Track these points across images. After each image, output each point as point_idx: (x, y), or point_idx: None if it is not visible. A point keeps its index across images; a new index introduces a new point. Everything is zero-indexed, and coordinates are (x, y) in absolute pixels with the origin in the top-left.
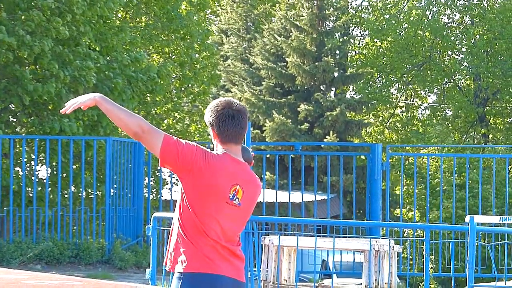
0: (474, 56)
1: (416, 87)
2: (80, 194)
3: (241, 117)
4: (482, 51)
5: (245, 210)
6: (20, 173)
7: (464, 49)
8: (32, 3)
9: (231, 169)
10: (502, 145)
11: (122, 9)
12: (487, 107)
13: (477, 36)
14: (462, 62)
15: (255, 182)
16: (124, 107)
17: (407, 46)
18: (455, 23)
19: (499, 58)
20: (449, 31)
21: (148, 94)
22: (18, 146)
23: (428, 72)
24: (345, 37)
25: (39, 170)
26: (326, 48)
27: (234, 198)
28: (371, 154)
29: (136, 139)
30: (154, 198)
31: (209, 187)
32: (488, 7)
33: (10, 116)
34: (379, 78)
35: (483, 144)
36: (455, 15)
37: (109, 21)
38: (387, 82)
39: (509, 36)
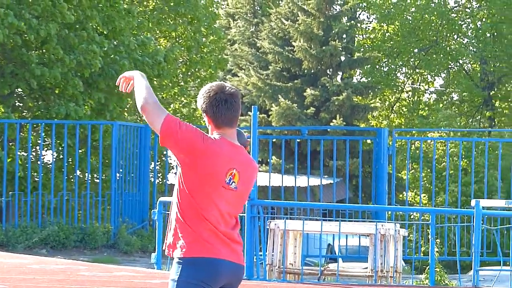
0: (480, 39)
1: (423, 71)
2: (85, 179)
3: (234, 100)
4: (488, 34)
5: (242, 194)
6: (26, 158)
7: (470, 33)
8: None
9: (228, 153)
10: (508, 129)
11: None
12: (493, 91)
13: (483, 20)
14: (468, 46)
15: (251, 165)
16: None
17: (414, 30)
18: (461, 7)
19: (505, 42)
20: (455, 15)
21: (155, 79)
22: (24, 130)
23: (434, 56)
24: (352, 21)
25: (44, 155)
26: (333, 32)
27: (231, 182)
28: (377, 138)
29: (141, 113)
30: (160, 182)
31: (207, 171)
32: None
33: (16, 101)
34: (386, 62)
35: (489, 128)
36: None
37: (116, 5)
38: (394, 67)
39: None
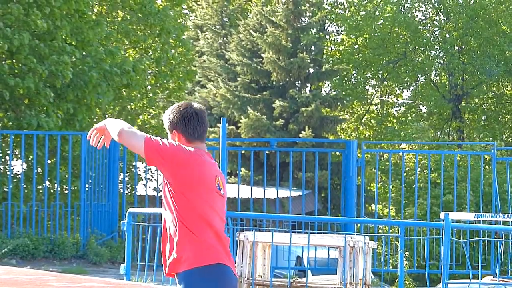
0: (447, 52)
1: (391, 83)
2: (55, 189)
3: (203, 115)
4: (455, 47)
5: (225, 199)
6: None
7: (437, 46)
8: None
9: (209, 162)
10: (477, 142)
11: (98, 3)
12: (462, 104)
13: (450, 32)
14: (436, 59)
15: (223, 175)
16: (100, 101)
17: (382, 42)
18: (429, 20)
19: (472, 55)
20: (423, 28)
21: (124, 89)
22: None
23: (403, 68)
24: (320, 33)
25: (14, 165)
26: (301, 44)
27: (220, 188)
28: (346, 151)
29: (120, 141)
30: (129, 193)
31: (200, 179)
32: (456, 3)
33: None
34: (354, 75)
35: (459, 141)
36: (429, 11)
37: (85, 16)
38: (362, 79)
39: (477, 33)
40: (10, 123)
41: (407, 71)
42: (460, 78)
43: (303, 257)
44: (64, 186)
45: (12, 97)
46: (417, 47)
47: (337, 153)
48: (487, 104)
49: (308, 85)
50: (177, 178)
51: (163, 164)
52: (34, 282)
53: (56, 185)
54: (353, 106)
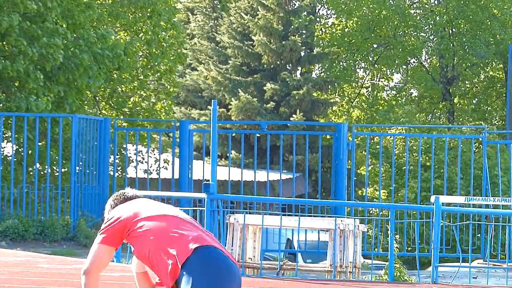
0: (438, 35)
1: (382, 67)
2: (45, 172)
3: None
4: (446, 29)
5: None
6: None
7: (427, 29)
8: None
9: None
10: (467, 126)
11: None
12: (453, 87)
13: (440, 15)
14: (426, 42)
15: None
16: (91, 84)
17: (372, 25)
18: (419, 3)
19: (462, 39)
20: (413, 11)
21: (115, 72)
22: None
23: (393, 51)
24: (311, 16)
25: (4, 147)
26: (292, 27)
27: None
28: (337, 134)
29: (90, 269)
30: (120, 176)
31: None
32: None
33: None
34: (345, 58)
35: (449, 124)
36: None
37: None
38: (353, 62)
39: (468, 17)
40: (0, 105)
41: (398, 54)
42: (451, 60)
43: (293, 240)
44: (55, 168)
45: (1, 80)
46: (407, 30)
47: (328, 136)
48: (478, 88)
49: (299, 68)
50: (136, 240)
51: (126, 239)
52: (24, 264)
53: (46, 167)
54: (344, 89)
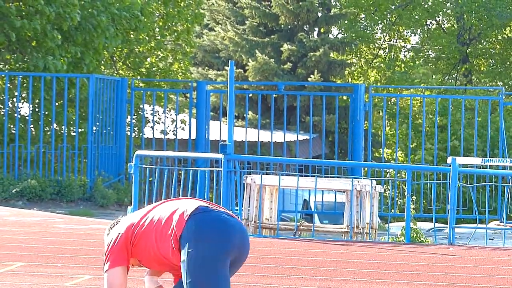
0: None
1: (400, 27)
2: (62, 132)
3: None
4: None
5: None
6: (2, 110)
7: None
8: None
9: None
10: (485, 87)
11: None
12: (470, 48)
13: None
14: (446, 2)
15: None
16: (108, 44)
17: None
18: None
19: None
20: None
21: (132, 32)
22: (0, 83)
23: (412, 12)
24: None
25: (21, 107)
26: None
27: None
28: (354, 95)
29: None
30: (136, 136)
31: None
32: None
33: None
34: (363, 18)
35: (466, 85)
36: None
37: None
38: (371, 22)
39: None
40: (17, 64)
41: (416, 15)
42: (470, 22)
43: (310, 201)
44: (72, 129)
45: (19, 39)
46: None
47: (345, 97)
48: (496, 49)
49: (316, 29)
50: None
51: (132, 252)
52: (41, 224)
53: (63, 127)
54: (362, 50)
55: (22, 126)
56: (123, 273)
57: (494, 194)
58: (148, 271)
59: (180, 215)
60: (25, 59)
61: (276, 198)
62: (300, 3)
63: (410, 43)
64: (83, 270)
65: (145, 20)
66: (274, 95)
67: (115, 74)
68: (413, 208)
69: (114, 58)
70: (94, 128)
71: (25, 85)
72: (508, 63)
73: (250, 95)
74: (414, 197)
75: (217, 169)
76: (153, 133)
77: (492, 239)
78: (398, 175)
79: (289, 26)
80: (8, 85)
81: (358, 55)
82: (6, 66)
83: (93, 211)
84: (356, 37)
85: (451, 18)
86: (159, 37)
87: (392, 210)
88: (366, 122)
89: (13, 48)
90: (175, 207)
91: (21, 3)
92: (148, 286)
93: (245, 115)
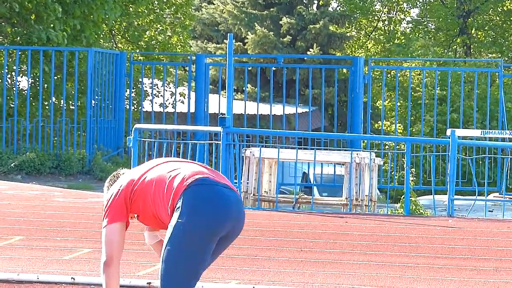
0: None
1: (400, 0)
2: (61, 105)
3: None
4: None
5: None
6: (1, 84)
7: None
8: None
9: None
10: (484, 59)
11: None
12: (470, 19)
13: None
14: None
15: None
16: (108, 16)
17: None
18: None
19: None
20: None
21: (131, 5)
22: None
23: None
24: None
25: (20, 81)
26: None
27: None
28: (353, 67)
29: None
30: (135, 109)
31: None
32: None
33: None
34: None
35: (465, 57)
36: None
37: None
38: None
39: None
40: (18, 38)
41: None
42: None
43: (309, 173)
44: (70, 102)
45: (19, 13)
46: None
47: (344, 70)
48: (495, 21)
49: (316, 1)
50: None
51: (130, 206)
52: (40, 198)
53: (62, 101)
54: (361, 23)
55: (21, 100)
56: (121, 229)
57: (494, 166)
58: (146, 227)
59: (179, 183)
60: (26, 32)
61: (275, 171)
62: None
63: (409, 15)
64: (82, 244)
65: None
66: (273, 68)
67: (114, 48)
68: (412, 180)
69: (113, 32)
70: (93, 101)
71: (23, 58)
72: (507, 35)
73: (249, 68)
74: (413, 169)
75: (216, 142)
76: (152, 106)
77: (492, 211)
78: (398, 147)
79: None
80: (7, 59)
81: (357, 28)
82: (6, 40)
83: (92, 185)
84: (355, 9)
85: None
86: (158, 10)
87: (392, 183)
88: (365, 94)
89: (14, 22)
90: (175, 172)
91: None
92: (149, 241)
93: (244, 88)
